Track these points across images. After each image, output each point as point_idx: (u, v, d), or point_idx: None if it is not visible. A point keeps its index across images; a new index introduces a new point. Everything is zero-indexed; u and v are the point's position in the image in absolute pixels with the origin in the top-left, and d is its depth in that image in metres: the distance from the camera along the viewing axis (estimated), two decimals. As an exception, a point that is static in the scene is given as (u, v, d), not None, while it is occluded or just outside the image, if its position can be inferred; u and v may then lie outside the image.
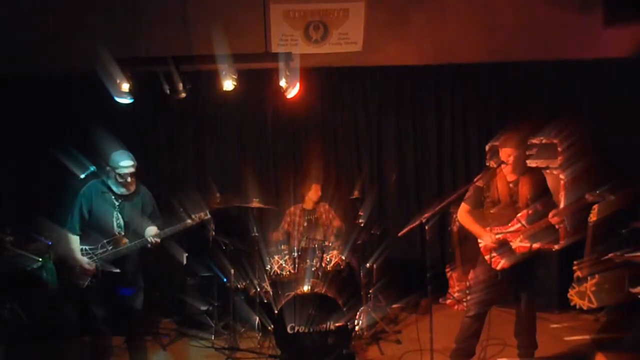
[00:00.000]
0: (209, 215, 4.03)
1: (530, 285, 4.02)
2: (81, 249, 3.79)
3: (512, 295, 4.06)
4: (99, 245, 3.78)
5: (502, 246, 3.82)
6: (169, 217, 4.07)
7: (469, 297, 4.32)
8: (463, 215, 4.00)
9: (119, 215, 3.84)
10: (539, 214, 3.78)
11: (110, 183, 3.82)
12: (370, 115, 6.11)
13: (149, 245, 3.82)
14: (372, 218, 5.40)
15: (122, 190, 3.82)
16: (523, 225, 3.79)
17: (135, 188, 3.90)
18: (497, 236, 3.83)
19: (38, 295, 4.84)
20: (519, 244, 3.83)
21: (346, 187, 5.82)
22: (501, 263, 3.85)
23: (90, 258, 3.77)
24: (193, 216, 3.96)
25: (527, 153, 5.28)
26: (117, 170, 3.76)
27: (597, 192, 3.79)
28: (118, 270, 3.79)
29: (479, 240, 3.95)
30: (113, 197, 3.84)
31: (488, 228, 3.90)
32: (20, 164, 5.69)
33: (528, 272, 3.97)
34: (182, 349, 4.91)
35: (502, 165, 3.84)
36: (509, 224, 3.85)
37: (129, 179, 3.79)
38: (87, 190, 3.86)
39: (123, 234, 3.84)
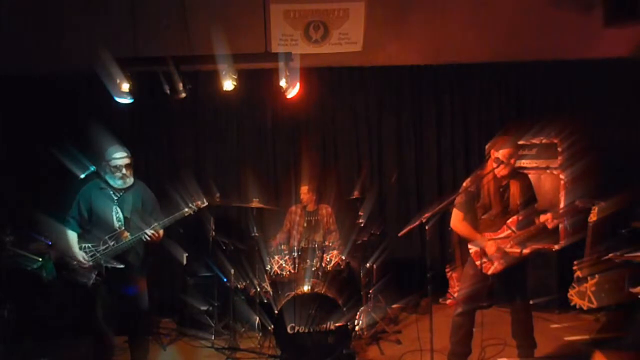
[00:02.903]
0: (206, 203, 4.04)
1: (523, 286, 4.02)
2: (84, 247, 3.80)
3: (504, 295, 4.06)
4: (101, 242, 3.79)
5: (503, 255, 3.81)
6: (167, 207, 4.08)
7: (456, 295, 4.31)
8: (458, 224, 3.94)
9: (118, 210, 3.87)
10: (529, 220, 3.79)
11: (107, 177, 3.88)
12: (370, 115, 6.12)
13: (147, 238, 3.82)
14: (372, 218, 5.40)
15: (118, 183, 3.86)
16: (513, 232, 3.80)
17: (134, 182, 3.93)
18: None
19: (38, 295, 4.84)
20: (509, 249, 3.83)
21: (346, 187, 5.83)
22: (492, 268, 3.85)
23: (92, 255, 3.78)
24: (190, 204, 3.98)
25: (524, 153, 5.31)
26: (111, 163, 3.83)
27: (587, 198, 3.79)
28: (122, 266, 3.79)
29: (469, 246, 3.95)
30: (111, 191, 3.88)
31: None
32: (20, 163, 5.69)
33: (520, 274, 3.96)
34: (182, 349, 4.91)
35: (501, 166, 3.84)
36: (499, 231, 3.85)
37: (123, 170, 3.84)
38: (86, 188, 3.92)
39: (124, 227, 3.85)
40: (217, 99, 5.48)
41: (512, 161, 3.78)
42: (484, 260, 3.85)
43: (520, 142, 5.19)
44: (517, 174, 3.92)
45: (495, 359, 4.29)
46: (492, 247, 3.81)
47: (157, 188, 4.32)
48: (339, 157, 6.11)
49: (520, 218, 3.80)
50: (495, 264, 3.84)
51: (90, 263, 3.76)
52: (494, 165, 3.80)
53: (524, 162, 5.34)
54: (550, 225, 3.72)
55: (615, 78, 5.87)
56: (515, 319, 4.05)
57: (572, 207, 3.84)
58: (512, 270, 3.86)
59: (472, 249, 3.93)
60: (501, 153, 3.77)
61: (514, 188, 3.84)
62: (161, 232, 3.94)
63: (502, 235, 3.83)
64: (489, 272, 3.85)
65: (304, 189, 5.41)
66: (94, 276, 3.77)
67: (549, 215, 3.74)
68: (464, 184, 3.93)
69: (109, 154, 3.85)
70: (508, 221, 3.82)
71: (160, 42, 5.04)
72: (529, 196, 3.87)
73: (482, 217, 3.90)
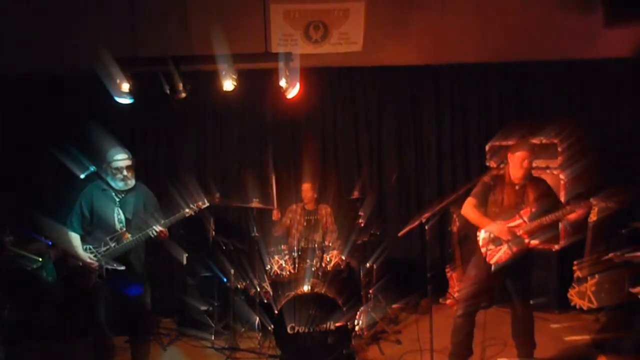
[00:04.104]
0: (207, 204, 4.05)
1: (526, 284, 4.02)
2: (85, 249, 3.80)
3: (505, 294, 4.05)
4: (102, 244, 3.79)
5: (514, 238, 3.80)
6: (168, 208, 4.08)
7: (457, 296, 4.30)
8: (469, 209, 3.93)
9: (120, 211, 3.86)
10: (542, 212, 3.78)
11: (109, 179, 3.87)
12: (370, 115, 6.12)
13: (154, 235, 3.82)
14: (372, 218, 5.40)
15: (120, 185, 3.85)
16: (524, 221, 3.80)
17: (135, 184, 3.93)
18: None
19: (38, 295, 4.84)
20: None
21: (346, 187, 5.83)
22: (496, 257, 3.84)
23: (94, 256, 3.78)
24: (191, 205, 3.98)
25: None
26: (112, 165, 3.82)
27: (600, 196, 3.77)
28: (123, 267, 3.79)
29: (478, 234, 3.95)
30: (113, 193, 3.88)
31: None
32: (20, 163, 5.70)
33: (523, 269, 3.96)
34: (182, 349, 4.91)
35: (507, 167, 3.85)
36: (511, 219, 3.84)
37: (124, 172, 3.83)
38: (88, 190, 3.91)
39: (125, 229, 3.85)
40: (217, 99, 5.48)
41: (525, 164, 3.78)
42: (490, 247, 3.84)
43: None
44: (534, 178, 3.92)
45: (495, 359, 4.29)
46: (501, 228, 3.79)
47: (157, 188, 4.32)
48: (339, 157, 6.12)
49: (533, 209, 3.80)
50: (501, 251, 3.83)
51: (97, 263, 3.76)
52: (508, 167, 3.83)
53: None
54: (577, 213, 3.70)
55: (615, 78, 5.88)
56: (516, 319, 4.05)
57: (587, 204, 3.81)
58: (514, 266, 3.86)
59: (480, 236, 3.92)
60: (516, 156, 3.79)
61: (531, 190, 3.85)
62: (166, 229, 3.94)
63: (513, 224, 3.82)
64: (493, 261, 3.84)
65: (307, 186, 5.42)
66: (94, 277, 3.77)
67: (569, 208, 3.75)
68: (483, 176, 3.94)
69: (110, 156, 3.85)
70: (521, 211, 3.82)
71: (160, 42, 5.04)
72: (545, 198, 3.83)
73: (494, 209, 3.90)
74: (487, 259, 3.85)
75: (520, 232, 3.80)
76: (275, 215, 5.46)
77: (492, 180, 3.91)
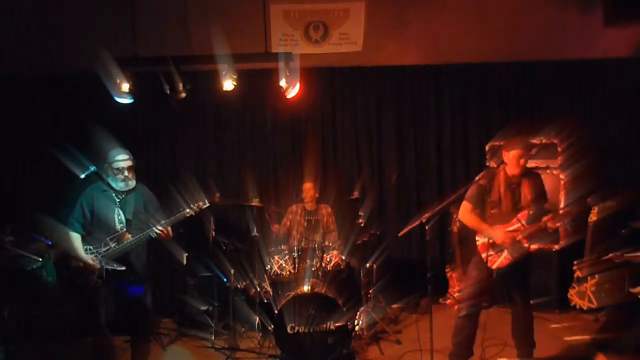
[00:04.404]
0: (207, 204, 4.04)
1: (525, 284, 4.02)
2: (85, 249, 3.79)
3: (506, 294, 4.05)
4: (102, 244, 3.79)
5: (513, 243, 3.80)
6: (168, 208, 4.08)
7: (460, 297, 4.29)
8: (466, 214, 3.92)
9: (120, 212, 3.86)
10: (539, 215, 3.78)
11: (110, 180, 3.87)
12: (370, 115, 6.12)
13: (155, 236, 3.81)
14: (372, 218, 5.40)
15: (120, 186, 3.85)
16: (522, 225, 3.79)
17: (135, 185, 3.93)
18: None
19: (38, 295, 4.84)
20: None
21: (346, 187, 5.84)
22: (497, 262, 3.84)
23: (94, 257, 3.77)
24: (192, 205, 3.97)
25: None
26: (113, 165, 3.82)
27: (597, 195, 3.78)
28: (124, 268, 3.79)
29: (477, 238, 3.94)
30: (113, 194, 3.88)
31: None
32: (20, 163, 5.70)
33: (523, 272, 3.96)
34: (182, 349, 4.91)
35: (504, 166, 3.85)
36: (509, 223, 3.85)
37: (125, 173, 3.83)
38: (88, 191, 3.91)
39: (125, 229, 3.84)
40: (217, 99, 5.48)
41: (521, 162, 3.78)
42: (490, 253, 3.83)
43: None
44: (529, 173, 3.92)
45: (495, 359, 4.29)
46: (502, 236, 3.79)
47: (157, 188, 4.31)
48: (339, 157, 6.12)
49: (530, 212, 3.80)
50: (502, 257, 3.82)
51: (97, 263, 3.76)
52: (504, 164, 3.83)
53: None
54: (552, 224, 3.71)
55: (615, 78, 5.88)
56: (516, 318, 4.05)
57: (582, 205, 3.82)
58: (515, 270, 3.86)
59: (479, 240, 3.91)
60: (512, 154, 3.78)
61: (525, 187, 3.85)
62: (169, 229, 3.93)
63: (511, 228, 3.82)
64: (494, 266, 3.84)
65: (307, 186, 5.41)
66: (94, 278, 3.76)
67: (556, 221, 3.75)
68: (477, 178, 3.92)
69: (111, 157, 3.84)
70: (519, 214, 3.82)
71: (160, 42, 5.04)
72: (540, 195, 3.86)
73: (492, 211, 3.89)
74: (488, 264, 3.85)
75: (519, 236, 3.79)
76: (275, 228, 5.46)
77: (487, 182, 3.89)
